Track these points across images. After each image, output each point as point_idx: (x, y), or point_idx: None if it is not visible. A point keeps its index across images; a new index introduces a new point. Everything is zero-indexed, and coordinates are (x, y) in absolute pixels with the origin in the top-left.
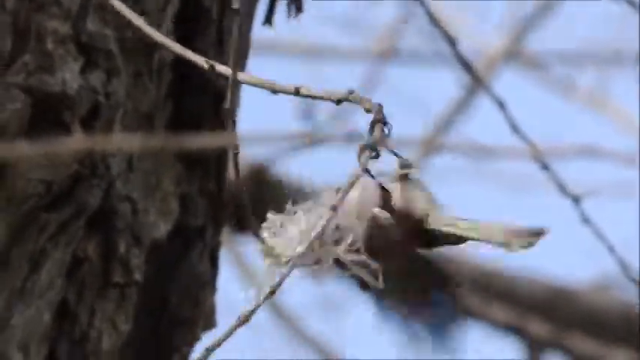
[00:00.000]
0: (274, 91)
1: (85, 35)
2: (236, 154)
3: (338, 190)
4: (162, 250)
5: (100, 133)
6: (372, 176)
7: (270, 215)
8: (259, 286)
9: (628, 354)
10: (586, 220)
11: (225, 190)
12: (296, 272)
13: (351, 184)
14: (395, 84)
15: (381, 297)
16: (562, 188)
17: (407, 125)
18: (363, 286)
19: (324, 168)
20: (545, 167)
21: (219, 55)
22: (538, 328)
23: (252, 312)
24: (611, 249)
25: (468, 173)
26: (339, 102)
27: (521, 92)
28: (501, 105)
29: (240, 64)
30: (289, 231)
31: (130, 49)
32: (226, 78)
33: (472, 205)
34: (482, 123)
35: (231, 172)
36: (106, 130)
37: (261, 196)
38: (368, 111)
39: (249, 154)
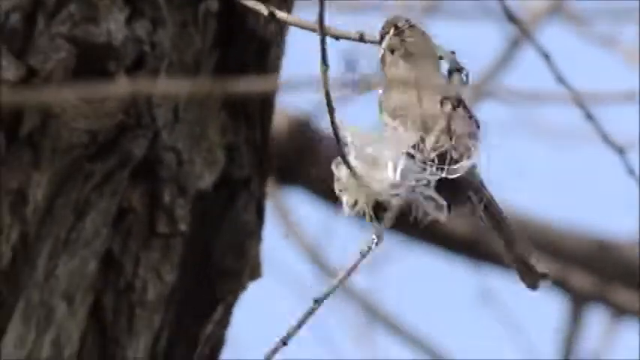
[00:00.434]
0: (336, 38)
1: None
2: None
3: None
4: (207, 200)
5: (145, 83)
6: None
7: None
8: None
9: None
10: (631, 171)
11: (270, 141)
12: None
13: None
14: (440, 37)
15: None
16: (606, 138)
17: None
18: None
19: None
20: (589, 116)
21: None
22: (581, 280)
23: (326, 296)
24: None
25: (514, 123)
26: None
27: (565, 47)
28: (546, 57)
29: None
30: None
31: None
32: (272, 26)
33: (517, 154)
34: (526, 76)
35: (276, 122)
36: (151, 80)
37: (305, 148)
38: (440, 59)
39: (293, 102)
